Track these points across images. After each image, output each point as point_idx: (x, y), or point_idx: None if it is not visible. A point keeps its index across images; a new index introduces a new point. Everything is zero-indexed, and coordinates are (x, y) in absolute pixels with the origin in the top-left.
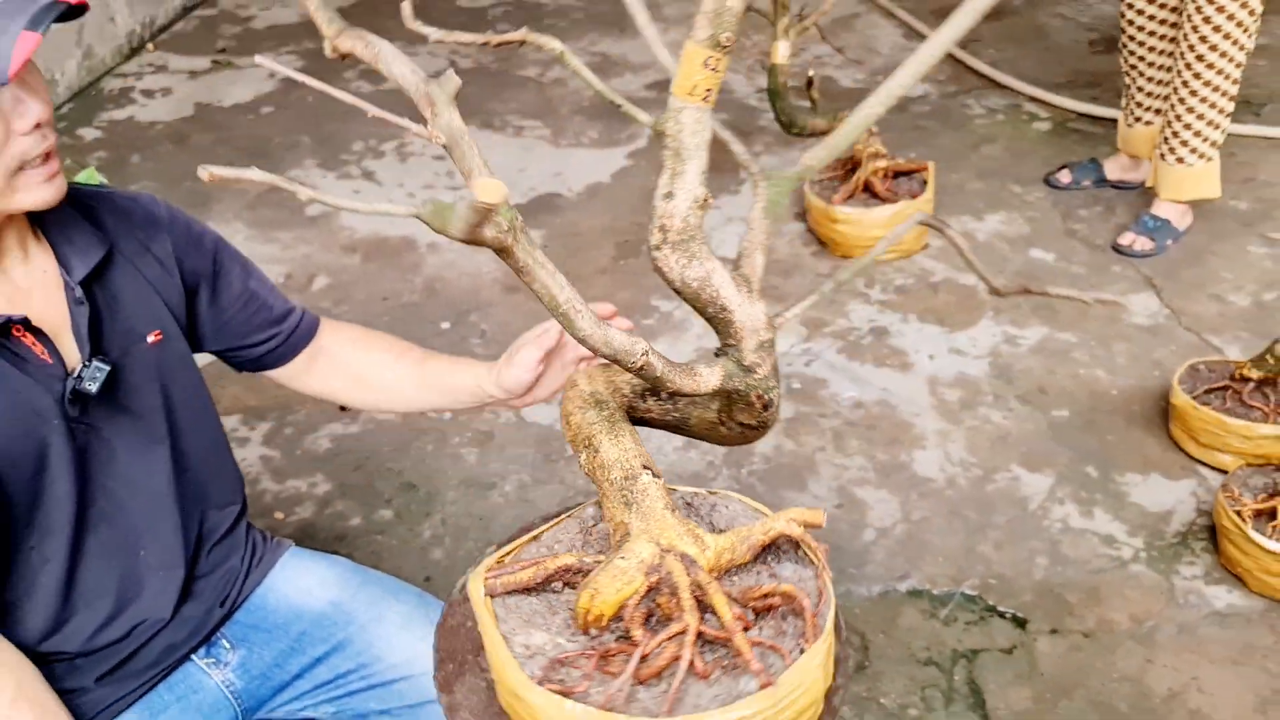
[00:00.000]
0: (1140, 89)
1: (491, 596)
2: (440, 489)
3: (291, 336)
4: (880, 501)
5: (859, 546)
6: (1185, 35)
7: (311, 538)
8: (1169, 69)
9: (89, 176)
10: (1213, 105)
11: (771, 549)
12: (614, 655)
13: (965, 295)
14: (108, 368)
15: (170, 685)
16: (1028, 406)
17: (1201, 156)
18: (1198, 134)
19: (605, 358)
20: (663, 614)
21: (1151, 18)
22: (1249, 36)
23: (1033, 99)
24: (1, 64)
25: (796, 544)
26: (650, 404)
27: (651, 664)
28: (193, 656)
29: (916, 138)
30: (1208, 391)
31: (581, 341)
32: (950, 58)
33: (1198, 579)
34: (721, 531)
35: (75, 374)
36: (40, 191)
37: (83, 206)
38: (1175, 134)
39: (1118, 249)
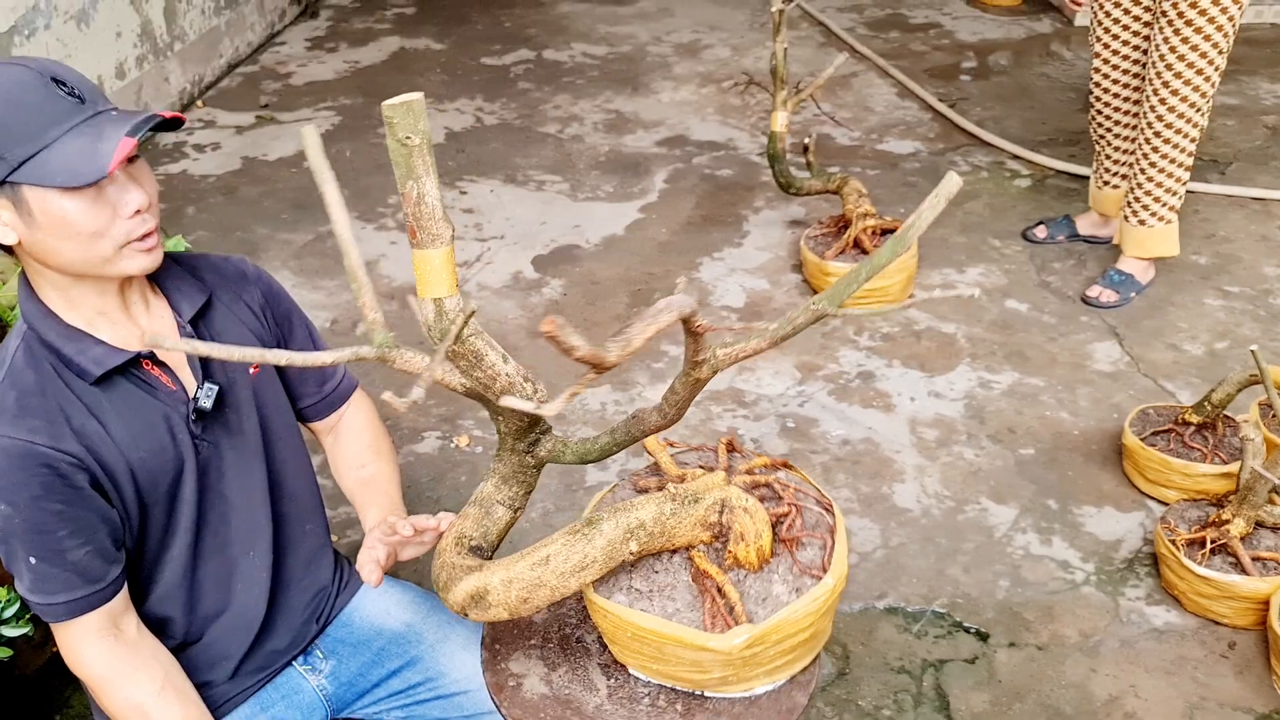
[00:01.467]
0: (1108, 155)
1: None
2: None
3: (332, 395)
4: (863, 529)
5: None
6: (1146, 112)
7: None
8: (1134, 138)
9: (176, 244)
10: (1171, 174)
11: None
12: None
13: (945, 343)
14: (216, 387)
15: (276, 685)
16: (998, 445)
17: (1162, 219)
18: (1158, 199)
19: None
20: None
21: (1116, 96)
22: (1202, 115)
23: (1015, 156)
24: (104, 161)
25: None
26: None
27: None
28: (293, 663)
29: (906, 193)
30: (1155, 434)
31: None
32: (941, 117)
33: (1140, 600)
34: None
35: (193, 397)
36: (139, 260)
37: (187, 265)
38: (1138, 199)
39: (1086, 300)
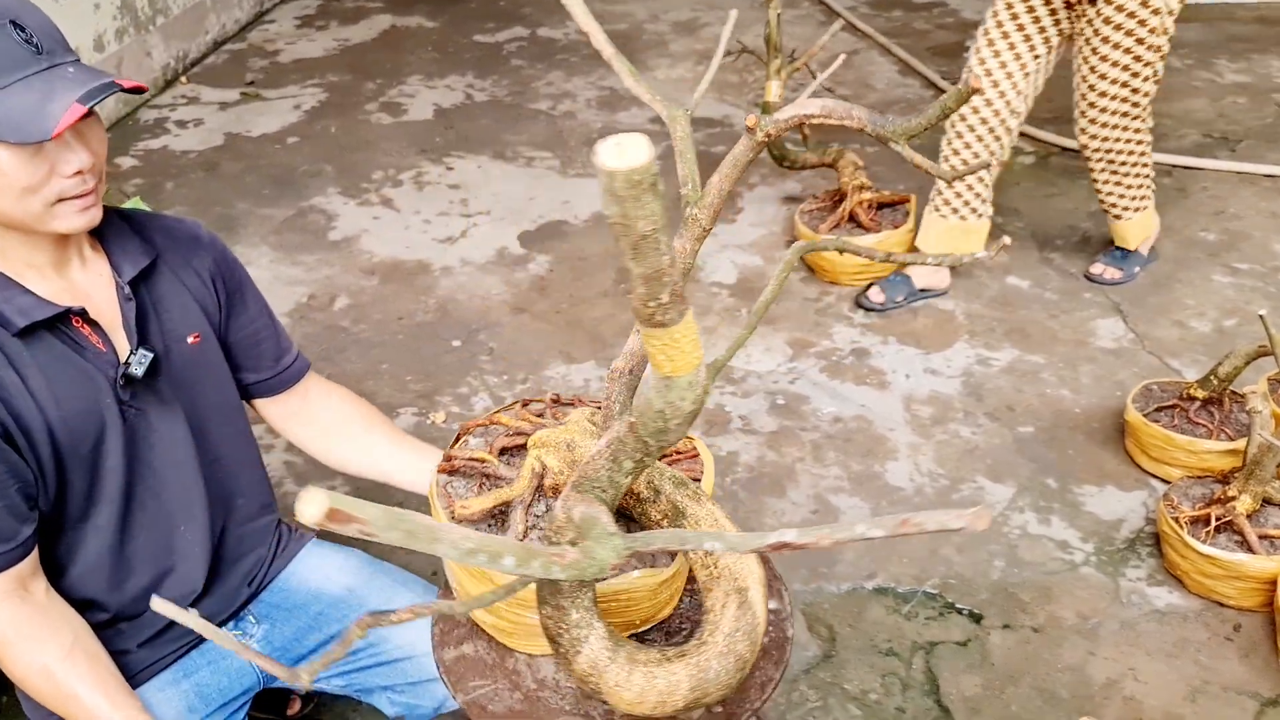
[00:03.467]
0: (959, 187)
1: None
2: None
3: (284, 374)
4: (853, 508)
5: (831, 548)
6: (1086, 125)
7: (331, 536)
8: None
9: (135, 204)
10: (1131, 173)
11: None
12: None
13: (943, 320)
14: (151, 354)
15: (202, 651)
16: (995, 423)
17: (1137, 210)
18: (1125, 197)
19: None
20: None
21: (1000, 125)
22: (1148, 113)
23: (1020, 134)
24: (49, 124)
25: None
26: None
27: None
28: (223, 628)
29: (906, 170)
30: (1158, 410)
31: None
32: (941, 92)
33: (1141, 581)
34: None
35: (125, 361)
36: (73, 219)
37: (136, 224)
38: (1108, 198)
39: (1090, 277)
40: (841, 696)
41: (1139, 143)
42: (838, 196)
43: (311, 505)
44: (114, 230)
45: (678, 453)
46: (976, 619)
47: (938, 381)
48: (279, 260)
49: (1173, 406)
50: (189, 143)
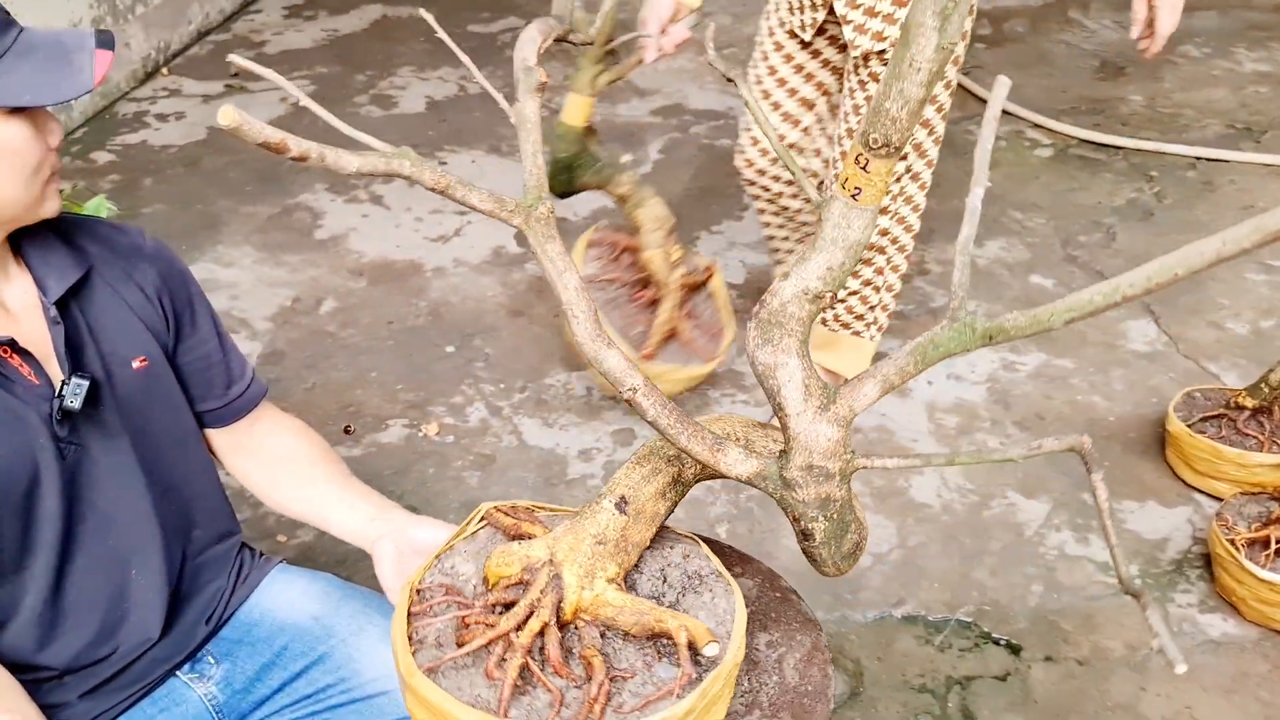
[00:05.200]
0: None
1: (486, 522)
2: (442, 511)
3: (234, 404)
4: (877, 527)
5: (855, 572)
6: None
7: (312, 560)
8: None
9: (98, 205)
10: (878, 283)
11: (677, 647)
12: (465, 609)
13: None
14: (86, 383)
15: (154, 700)
16: (1025, 433)
17: (859, 332)
18: (860, 306)
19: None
20: (508, 605)
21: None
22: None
23: (1036, 125)
24: (83, 76)
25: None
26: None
27: (468, 633)
28: (177, 672)
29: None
30: (1203, 419)
31: (576, 345)
32: (956, 85)
33: (1192, 607)
34: (676, 609)
35: (59, 394)
36: (54, 202)
37: (61, 231)
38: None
39: None
40: None
41: (905, 250)
42: (641, 274)
43: (224, 119)
44: (38, 241)
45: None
46: (1015, 650)
47: (962, 388)
48: (262, 260)
49: (1219, 416)
50: (169, 137)
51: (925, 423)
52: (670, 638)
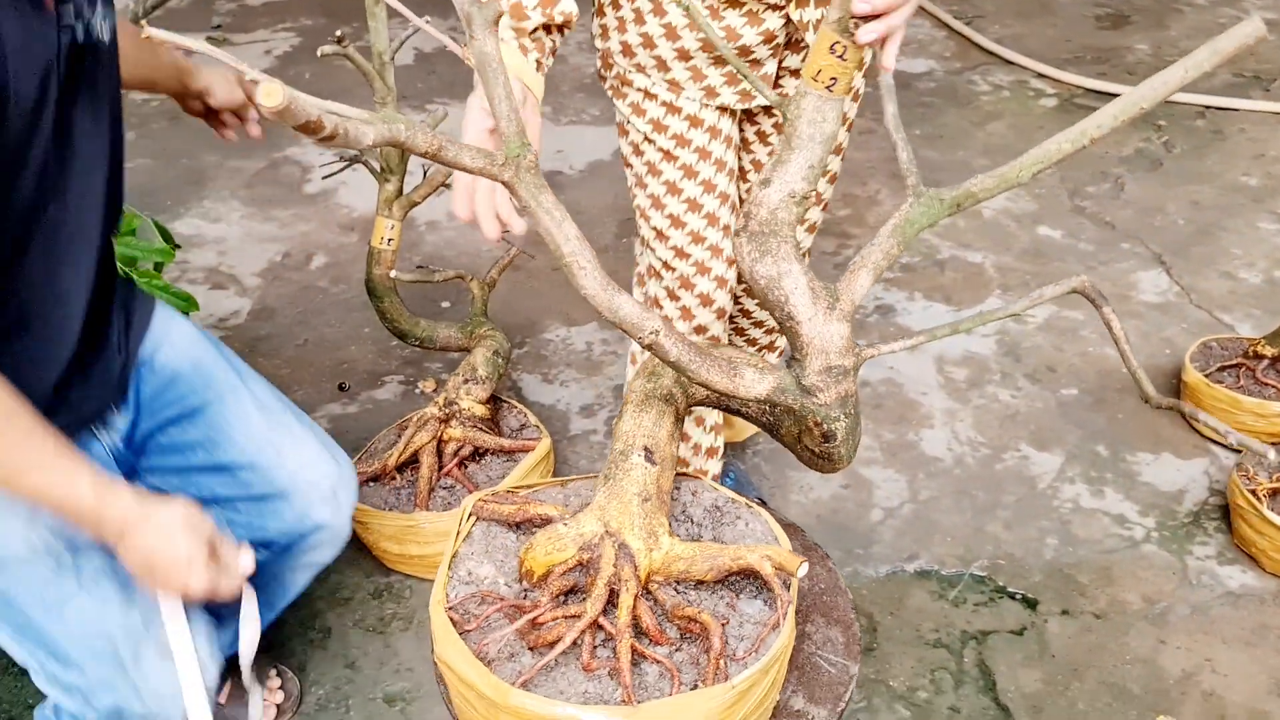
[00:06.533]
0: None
1: (476, 517)
2: None
3: None
4: (887, 481)
5: (866, 526)
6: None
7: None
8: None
9: None
10: None
11: (752, 581)
12: (523, 611)
13: (972, 273)
14: (113, 15)
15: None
16: (1036, 385)
17: None
18: None
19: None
20: (586, 592)
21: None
22: None
23: (1039, 75)
24: None
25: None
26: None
27: (543, 633)
28: (89, 427)
29: (923, 114)
30: (1220, 369)
31: (588, 299)
32: (956, 34)
33: (1210, 559)
34: (722, 542)
35: (81, 16)
36: None
37: None
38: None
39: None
40: (887, 695)
41: None
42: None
43: (268, 99)
44: None
45: None
46: (1031, 604)
47: (971, 341)
48: (250, 216)
49: (1237, 365)
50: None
51: (934, 376)
52: (753, 573)
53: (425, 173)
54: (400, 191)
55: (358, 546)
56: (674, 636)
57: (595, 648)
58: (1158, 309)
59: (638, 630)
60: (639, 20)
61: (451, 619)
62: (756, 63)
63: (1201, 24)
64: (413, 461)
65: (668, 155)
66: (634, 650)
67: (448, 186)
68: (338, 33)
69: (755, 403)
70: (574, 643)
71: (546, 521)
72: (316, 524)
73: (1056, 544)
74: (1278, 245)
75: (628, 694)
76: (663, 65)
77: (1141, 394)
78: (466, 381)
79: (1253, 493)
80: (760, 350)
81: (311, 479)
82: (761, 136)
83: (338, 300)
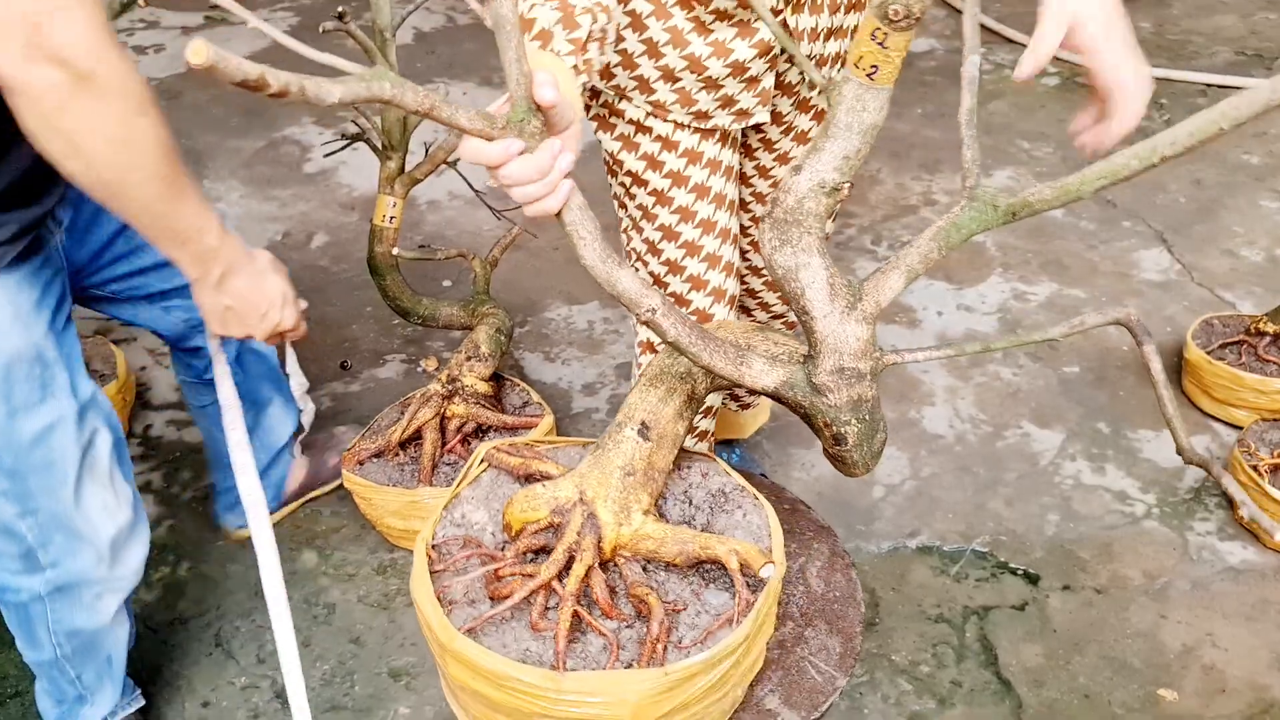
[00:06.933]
0: None
1: (488, 464)
2: None
3: None
4: (889, 458)
5: (868, 503)
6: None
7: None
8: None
9: None
10: None
11: (722, 572)
12: (493, 561)
13: (974, 252)
14: None
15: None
16: (1038, 363)
17: None
18: None
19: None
20: (545, 551)
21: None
22: None
23: None
24: None
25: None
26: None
27: (503, 586)
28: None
29: (924, 94)
30: (1222, 346)
31: (587, 270)
32: (957, 12)
33: (1211, 535)
34: (707, 531)
35: None
36: None
37: None
38: None
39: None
40: (890, 669)
41: None
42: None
43: (194, 56)
44: None
45: None
46: (1033, 580)
47: (972, 319)
48: (250, 195)
49: (1239, 342)
50: (148, 70)
51: None
52: (719, 564)
53: (427, 150)
54: (402, 169)
55: (361, 523)
56: (628, 613)
57: (547, 609)
58: (1159, 287)
59: (590, 600)
60: (617, 39)
61: (429, 557)
62: (754, 80)
63: (1203, 2)
64: (416, 438)
65: (661, 198)
66: (580, 618)
67: (450, 164)
68: (339, 9)
69: (760, 392)
70: (527, 600)
71: (546, 478)
72: None
73: (1058, 520)
74: (1278, 223)
75: (559, 659)
76: (645, 87)
77: (1177, 446)
78: (469, 359)
79: (1254, 469)
80: (776, 318)
81: None
82: (767, 144)
83: (339, 279)
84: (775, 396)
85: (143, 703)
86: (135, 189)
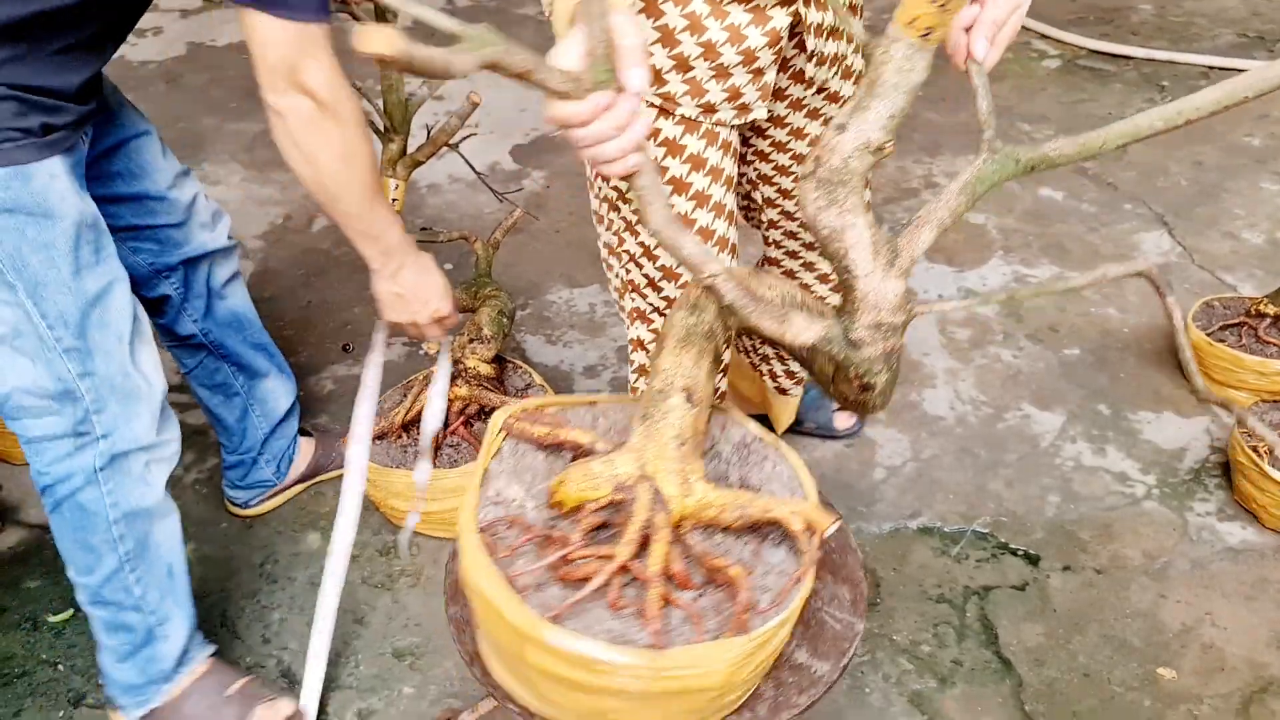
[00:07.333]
0: None
1: (507, 434)
2: None
3: None
4: (890, 440)
5: (869, 484)
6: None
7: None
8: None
9: None
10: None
11: (776, 531)
12: (553, 543)
13: (974, 234)
14: None
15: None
16: (1038, 345)
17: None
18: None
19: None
20: (616, 531)
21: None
22: None
23: (1042, 36)
24: None
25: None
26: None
27: (575, 569)
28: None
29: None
30: (1223, 328)
31: (653, 234)
32: None
33: (1210, 515)
34: (746, 487)
35: None
36: None
37: None
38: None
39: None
40: (891, 649)
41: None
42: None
43: (368, 45)
44: None
45: None
46: (1033, 560)
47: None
48: (251, 179)
49: (1239, 324)
50: (147, 53)
51: (937, 336)
52: (779, 525)
53: (429, 132)
54: (404, 151)
55: (365, 504)
56: (698, 581)
57: (623, 586)
58: (1160, 269)
59: (667, 576)
60: None
61: (485, 544)
62: (759, 71)
63: None
64: (419, 420)
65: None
66: (666, 599)
67: (451, 146)
68: None
69: (799, 349)
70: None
71: (577, 448)
72: (204, 246)
73: (1058, 501)
74: (1279, 206)
75: (657, 638)
76: (657, 78)
77: (1191, 387)
78: (472, 341)
79: (1254, 449)
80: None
81: (197, 208)
82: (762, 156)
83: (340, 262)
84: (809, 353)
85: (214, 648)
86: (349, 195)
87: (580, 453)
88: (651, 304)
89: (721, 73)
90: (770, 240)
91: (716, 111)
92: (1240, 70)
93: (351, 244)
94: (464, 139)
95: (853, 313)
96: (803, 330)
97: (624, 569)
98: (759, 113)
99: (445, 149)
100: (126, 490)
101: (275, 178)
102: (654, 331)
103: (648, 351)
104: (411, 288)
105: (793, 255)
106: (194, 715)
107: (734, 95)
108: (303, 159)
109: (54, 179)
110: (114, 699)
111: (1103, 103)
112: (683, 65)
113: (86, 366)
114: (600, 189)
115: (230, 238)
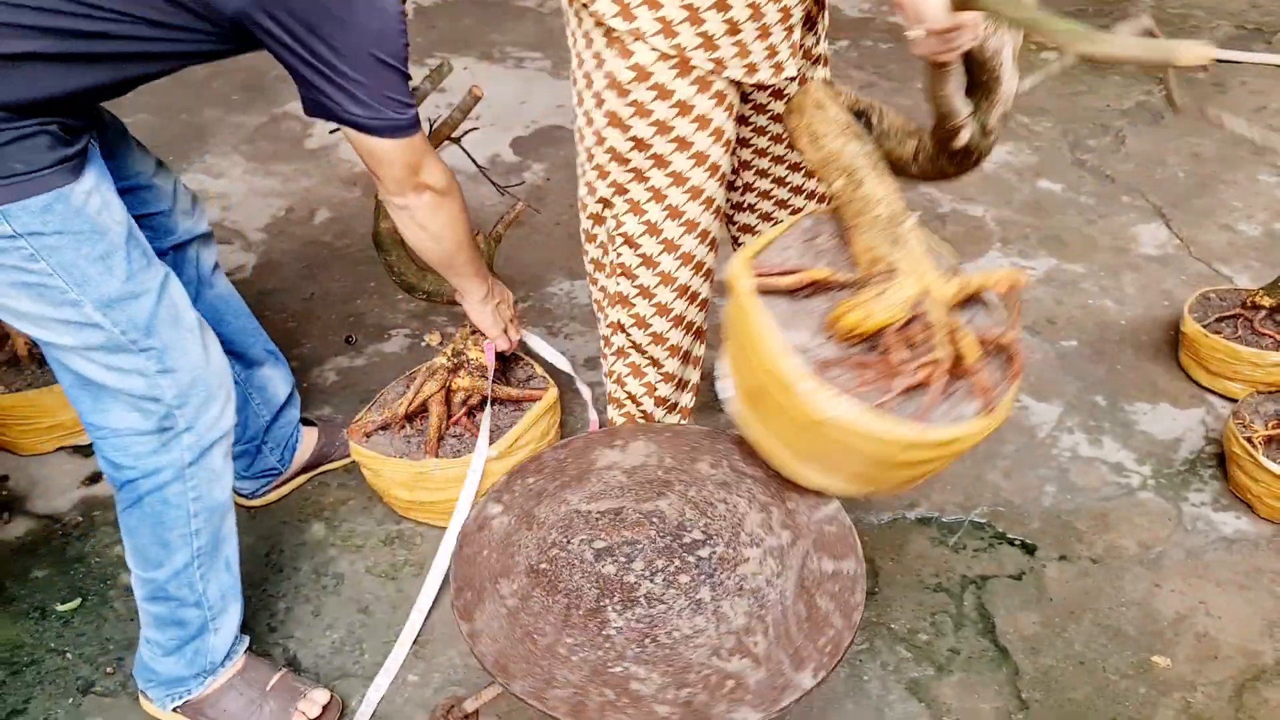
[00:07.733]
0: None
1: (759, 292)
2: None
3: None
4: None
5: None
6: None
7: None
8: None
9: None
10: None
11: (970, 300)
12: (869, 367)
13: (973, 226)
14: None
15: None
16: (1036, 337)
17: None
18: None
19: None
20: (914, 343)
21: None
22: None
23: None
24: None
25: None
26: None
27: (907, 381)
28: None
29: (923, 67)
30: (1219, 320)
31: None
32: None
33: (1205, 505)
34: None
35: None
36: None
37: None
38: None
39: None
40: (889, 637)
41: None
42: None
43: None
44: None
45: None
46: (1030, 550)
47: None
48: (253, 171)
49: (1235, 316)
50: None
51: None
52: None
53: (431, 126)
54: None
55: (369, 495)
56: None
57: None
58: (1157, 261)
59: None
60: None
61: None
62: (765, 30)
63: None
64: (422, 411)
65: (660, 161)
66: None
67: (453, 140)
68: None
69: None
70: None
71: (822, 285)
72: (190, 231)
73: (1055, 492)
74: (1277, 198)
75: (989, 403)
76: (669, 29)
77: (1167, 98)
78: (474, 332)
79: (1249, 440)
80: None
81: (178, 195)
82: (759, 131)
83: (342, 254)
84: (961, 139)
85: (248, 640)
86: (463, 251)
87: (824, 287)
88: (636, 314)
89: (732, 27)
90: (745, 205)
91: (726, 68)
92: (1236, 62)
93: (454, 284)
94: (466, 133)
95: (988, 109)
96: (962, 134)
97: (932, 366)
98: (763, 74)
99: (447, 142)
100: (209, 484)
101: (277, 170)
102: (635, 345)
103: (625, 332)
104: (497, 310)
105: (769, 205)
106: (234, 709)
107: (743, 52)
108: (429, 238)
109: (90, 195)
110: (147, 690)
111: (1101, 94)
112: (695, 17)
113: (165, 364)
114: (590, 139)
115: (208, 225)
